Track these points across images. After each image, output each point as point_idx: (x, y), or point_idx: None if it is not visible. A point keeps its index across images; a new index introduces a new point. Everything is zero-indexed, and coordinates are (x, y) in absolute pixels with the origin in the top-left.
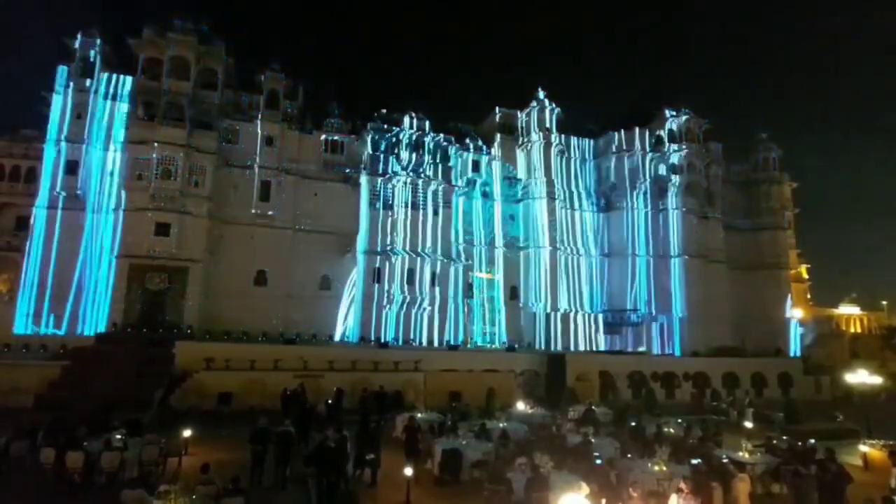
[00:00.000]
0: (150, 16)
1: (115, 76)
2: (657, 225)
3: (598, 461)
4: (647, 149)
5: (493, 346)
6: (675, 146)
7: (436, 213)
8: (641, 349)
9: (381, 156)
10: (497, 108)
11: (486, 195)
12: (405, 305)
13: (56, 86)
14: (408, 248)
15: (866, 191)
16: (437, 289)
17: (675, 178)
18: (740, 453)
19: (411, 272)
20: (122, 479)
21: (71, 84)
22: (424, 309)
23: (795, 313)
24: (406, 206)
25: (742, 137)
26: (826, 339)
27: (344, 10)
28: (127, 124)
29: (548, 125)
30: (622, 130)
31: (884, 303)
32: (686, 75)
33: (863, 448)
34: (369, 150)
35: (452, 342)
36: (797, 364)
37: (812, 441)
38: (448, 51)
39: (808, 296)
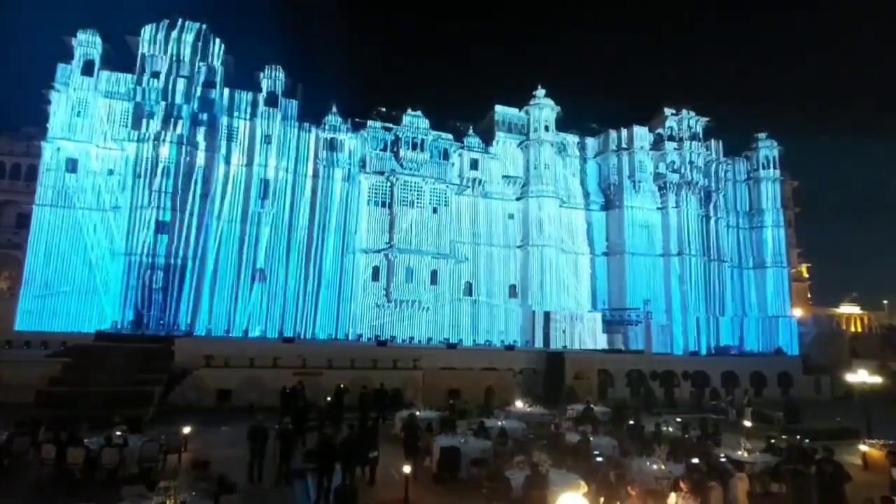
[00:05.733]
0: (149, 14)
1: (114, 74)
2: (657, 223)
3: (599, 459)
4: (648, 147)
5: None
6: (675, 144)
7: (435, 211)
8: (640, 347)
9: (381, 154)
10: (496, 106)
11: (486, 193)
12: (404, 303)
13: (56, 84)
14: (407, 247)
15: (867, 189)
16: (435, 287)
17: (676, 177)
18: (739, 452)
19: (410, 270)
20: (122, 475)
21: (71, 82)
22: (423, 307)
23: (795, 312)
24: (405, 205)
25: (743, 136)
26: (826, 338)
27: (344, 8)
28: (127, 123)
29: (547, 123)
30: (622, 128)
31: (884, 302)
32: (687, 73)
33: (862, 448)
34: (369, 148)
35: (451, 340)
36: (797, 363)
37: (807, 441)
38: (448, 49)
39: (809, 295)
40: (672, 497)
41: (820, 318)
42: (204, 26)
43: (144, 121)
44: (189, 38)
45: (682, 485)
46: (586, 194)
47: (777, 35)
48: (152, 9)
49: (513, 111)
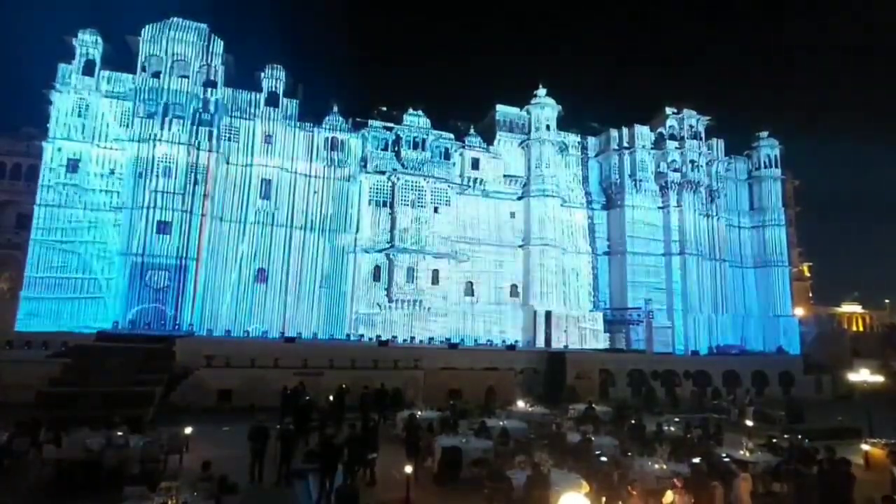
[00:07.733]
0: (149, 14)
1: (115, 74)
2: (659, 223)
3: (603, 459)
4: (649, 146)
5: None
6: (676, 143)
7: (436, 210)
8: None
9: (382, 153)
10: (497, 106)
11: (487, 193)
12: (405, 303)
13: (56, 84)
14: (408, 246)
15: (869, 189)
16: (437, 287)
17: (677, 176)
18: (741, 452)
19: (411, 270)
20: (123, 475)
21: (71, 82)
22: (424, 307)
23: (797, 311)
24: (406, 204)
25: (744, 134)
26: (827, 337)
27: (344, 8)
28: (127, 122)
29: (549, 122)
30: (623, 128)
31: (886, 301)
32: (687, 73)
33: (864, 447)
34: (370, 147)
35: (452, 340)
36: (798, 362)
37: (807, 441)
38: (448, 49)
39: (810, 294)
40: (668, 494)
41: (821, 317)
42: (204, 26)
43: (145, 121)
44: (189, 37)
45: (675, 481)
46: (587, 193)
47: (777, 35)
48: (152, 9)
49: (514, 110)
